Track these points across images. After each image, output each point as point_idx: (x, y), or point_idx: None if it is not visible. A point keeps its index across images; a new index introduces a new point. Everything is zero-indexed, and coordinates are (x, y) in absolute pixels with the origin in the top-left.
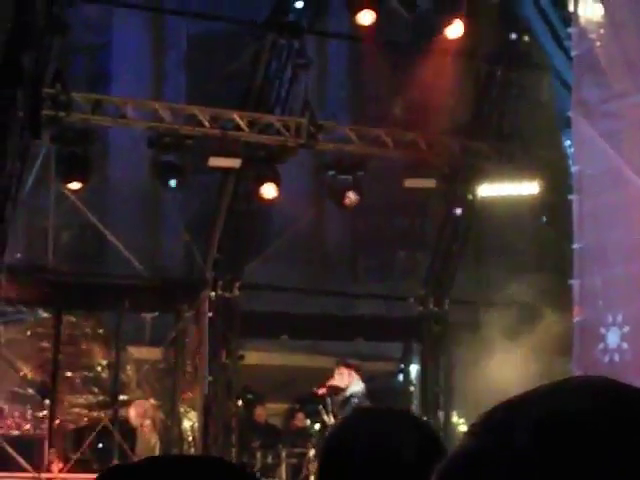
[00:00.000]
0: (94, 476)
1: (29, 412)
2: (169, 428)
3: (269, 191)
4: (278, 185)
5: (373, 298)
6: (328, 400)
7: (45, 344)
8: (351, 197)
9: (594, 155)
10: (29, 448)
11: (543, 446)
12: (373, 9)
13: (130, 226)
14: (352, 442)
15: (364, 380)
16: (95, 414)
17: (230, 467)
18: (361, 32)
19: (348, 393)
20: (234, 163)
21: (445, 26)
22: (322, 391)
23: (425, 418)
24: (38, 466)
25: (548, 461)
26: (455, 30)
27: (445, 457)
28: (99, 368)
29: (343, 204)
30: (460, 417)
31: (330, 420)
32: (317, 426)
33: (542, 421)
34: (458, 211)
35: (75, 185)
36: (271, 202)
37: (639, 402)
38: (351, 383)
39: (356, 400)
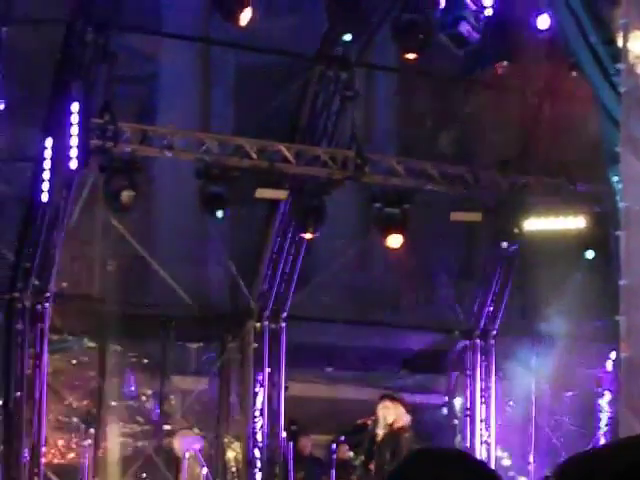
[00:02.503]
0: None
1: (74, 441)
2: (213, 459)
3: (308, 235)
4: (321, 223)
5: (419, 330)
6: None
7: (90, 373)
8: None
9: None
10: (73, 477)
11: None
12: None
13: (176, 256)
14: None
15: (409, 413)
16: (139, 444)
17: None
18: (410, 64)
19: (396, 427)
20: (281, 195)
21: (493, 63)
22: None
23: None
24: None
25: None
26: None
27: None
28: (144, 398)
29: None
30: (503, 451)
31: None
32: (361, 458)
33: (621, 474)
34: (504, 244)
35: (125, 199)
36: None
37: None
38: (399, 416)
39: (406, 435)
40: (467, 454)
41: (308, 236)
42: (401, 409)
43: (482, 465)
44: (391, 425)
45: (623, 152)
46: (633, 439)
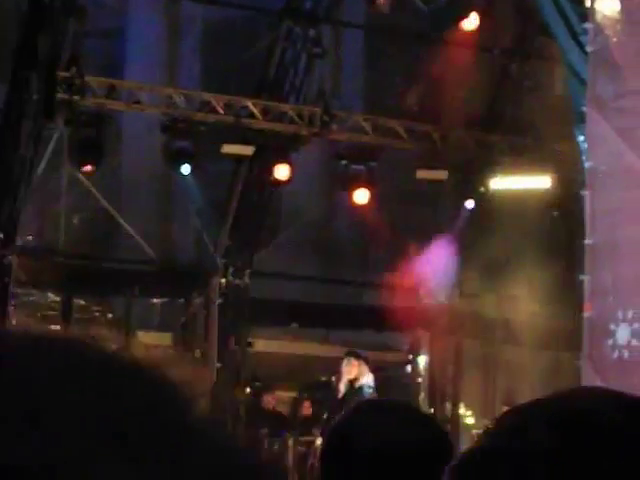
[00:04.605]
0: None
1: None
2: None
3: (282, 172)
4: (291, 171)
5: (383, 288)
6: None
7: (55, 327)
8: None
9: (608, 151)
10: None
11: (559, 442)
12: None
13: (142, 211)
14: (354, 437)
15: (372, 371)
16: None
17: None
18: (377, 21)
19: (358, 385)
20: (247, 150)
21: (461, 19)
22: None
23: (432, 409)
24: None
25: (564, 455)
26: (471, 23)
27: (450, 453)
28: None
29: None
30: (467, 409)
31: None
32: (325, 414)
33: (557, 420)
34: (469, 203)
35: (88, 168)
36: (283, 184)
37: (635, 399)
38: (361, 374)
39: (370, 391)
40: (412, 406)
41: (284, 175)
42: (364, 367)
43: (426, 417)
44: (352, 382)
45: (589, 111)
46: (565, 391)
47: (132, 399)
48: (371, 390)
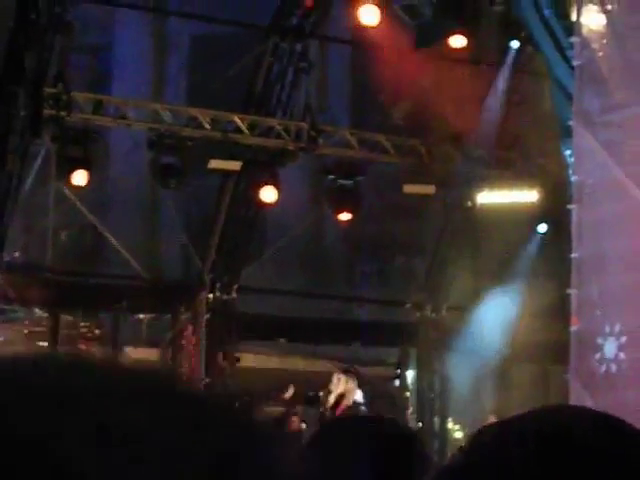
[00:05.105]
0: None
1: None
2: None
3: (268, 195)
4: (278, 189)
5: (371, 303)
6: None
7: (42, 344)
8: None
9: (594, 165)
10: None
11: (543, 457)
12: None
13: (129, 227)
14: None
15: (360, 385)
16: None
17: None
18: (363, 36)
19: (351, 401)
20: (234, 166)
21: (448, 34)
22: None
23: (420, 424)
24: None
25: (547, 472)
26: (457, 40)
27: (420, 467)
28: None
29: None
30: (455, 423)
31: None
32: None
33: (543, 435)
34: (457, 217)
35: (77, 180)
36: (270, 205)
37: (621, 421)
38: (347, 392)
39: (363, 408)
40: (382, 421)
41: (270, 197)
42: (351, 384)
43: (399, 435)
44: (337, 399)
45: (575, 125)
46: (545, 408)
47: (222, 436)
48: (363, 408)
